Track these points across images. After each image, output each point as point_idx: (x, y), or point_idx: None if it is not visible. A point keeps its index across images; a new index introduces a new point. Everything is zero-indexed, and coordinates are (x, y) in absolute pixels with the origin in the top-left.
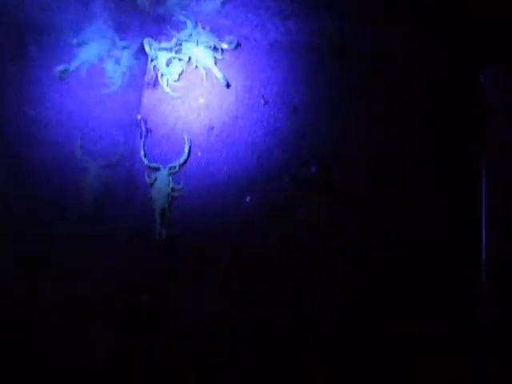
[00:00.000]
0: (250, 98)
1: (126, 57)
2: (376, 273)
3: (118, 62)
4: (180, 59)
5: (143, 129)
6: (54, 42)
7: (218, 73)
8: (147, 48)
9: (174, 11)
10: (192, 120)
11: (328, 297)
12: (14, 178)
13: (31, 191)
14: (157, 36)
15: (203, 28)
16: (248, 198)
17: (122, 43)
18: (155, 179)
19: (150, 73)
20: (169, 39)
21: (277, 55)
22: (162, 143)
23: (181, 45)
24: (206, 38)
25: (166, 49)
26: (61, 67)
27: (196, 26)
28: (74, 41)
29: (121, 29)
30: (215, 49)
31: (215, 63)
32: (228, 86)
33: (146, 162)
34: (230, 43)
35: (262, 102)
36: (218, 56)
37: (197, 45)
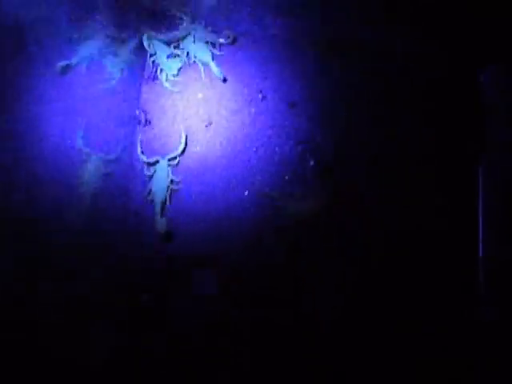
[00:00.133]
0: (248, 93)
1: (125, 52)
2: (376, 273)
3: (117, 57)
4: (179, 55)
5: (142, 123)
6: (54, 37)
7: (215, 68)
8: (146, 43)
9: (172, 7)
10: (190, 115)
11: (328, 297)
12: (16, 169)
13: (30, 185)
14: (156, 32)
15: (200, 23)
16: (246, 192)
17: (122, 39)
18: (154, 171)
19: (149, 68)
20: (167, 35)
21: (274, 50)
22: (161, 137)
23: (179, 40)
24: (204, 34)
25: (164, 44)
26: (62, 63)
27: (193, 21)
28: (74, 36)
29: (120, 24)
30: (212, 44)
31: (213, 59)
32: (225, 80)
33: (144, 158)
34: (226, 38)
35: (260, 96)
36: (216, 51)
37: (194, 40)
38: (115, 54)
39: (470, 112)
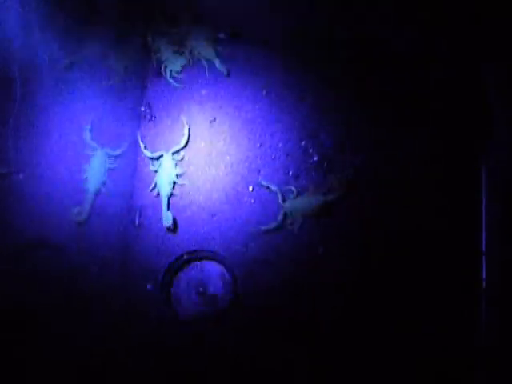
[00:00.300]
0: (252, 90)
1: (129, 50)
2: (376, 273)
3: (121, 54)
4: (183, 52)
5: (146, 119)
6: (60, 35)
7: (219, 63)
8: (150, 41)
9: (175, 5)
10: (194, 111)
11: (328, 297)
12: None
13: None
14: (159, 29)
15: (203, 21)
16: (251, 188)
17: (126, 36)
18: (159, 166)
19: (154, 65)
20: (171, 33)
21: (278, 47)
22: (165, 132)
23: (183, 38)
24: (207, 31)
25: (168, 42)
26: (66, 60)
27: (196, 19)
28: (80, 34)
29: (124, 22)
30: (216, 41)
31: (217, 55)
32: (229, 74)
33: (147, 153)
34: (226, 33)
35: (264, 92)
36: (220, 48)
37: (197, 38)
38: (120, 52)
39: (473, 112)
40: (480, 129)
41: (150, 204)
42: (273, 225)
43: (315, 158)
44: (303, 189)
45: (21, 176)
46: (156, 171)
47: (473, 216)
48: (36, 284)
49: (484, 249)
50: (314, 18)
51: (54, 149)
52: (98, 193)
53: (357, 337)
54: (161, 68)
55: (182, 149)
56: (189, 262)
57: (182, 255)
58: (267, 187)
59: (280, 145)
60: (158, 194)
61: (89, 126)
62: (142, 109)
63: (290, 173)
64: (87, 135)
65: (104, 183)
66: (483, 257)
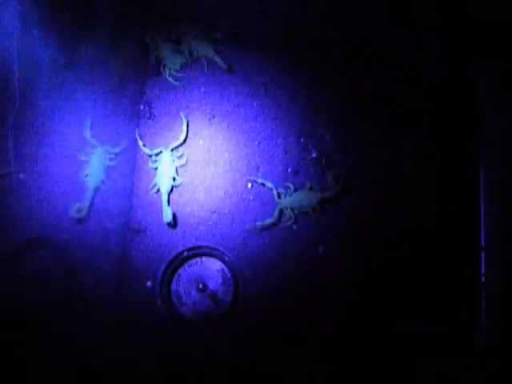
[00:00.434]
0: (251, 87)
1: (128, 49)
2: (375, 272)
3: (120, 54)
4: (181, 51)
5: (146, 117)
6: (60, 34)
7: (219, 60)
8: (149, 40)
9: (174, 5)
10: (193, 108)
11: (327, 295)
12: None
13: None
14: (158, 29)
15: (201, 20)
16: (250, 185)
17: (125, 36)
18: (159, 162)
19: (153, 64)
20: (170, 32)
21: (277, 45)
22: (164, 130)
23: (181, 37)
24: (205, 31)
25: (167, 41)
26: (66, 59)
27: (194, 18)
28: (79, 34)
29: (124, 22)
30: (215, 40)
31: (216, 53)
32: (231, 70)
33: (146, 151)
34: (225, 33)
35: (263, 90)
36: (218, 47)
37: (196, 37)
38: (119, 51)
39: (465, 112)
40: (472, 129)
41: (149, 201)
42: (269, 221)
43: (314, 155)
44: (300, 185)
45: (21, 175)
46: (156, 168)
47: (466, 215)
48: (35, 282)
49: (483, 248)
50: (311, 17)
51: (53, 147)
52: (97, 190)
53: (357, 336)
54: (160, 67)
55: (181, 145)
56: (188, 258)
57: (181, 252)
58: (263, 184)
59: (279, 142)
60: (158, 191)
61: (89, 124)
62: (141, 107)
63: (289, 169)
64: (87, 133)
65: (104, 181)
66: (482, 254)
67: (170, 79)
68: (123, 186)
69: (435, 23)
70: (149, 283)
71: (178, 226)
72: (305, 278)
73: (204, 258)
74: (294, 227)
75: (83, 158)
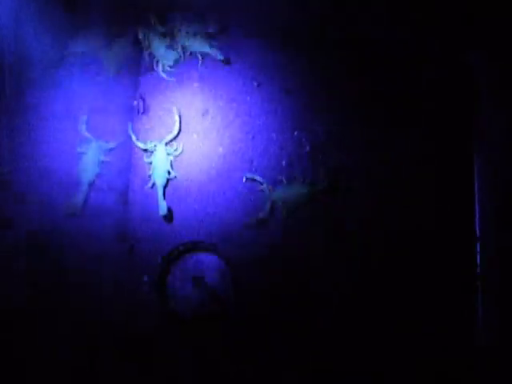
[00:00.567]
0: (244, 82)
1: (121, 45)
2: (376, 272)
3: (113, 50)
4: (175, 46)
5: (139, 112)
6: (52, 30)
7: (215, 52)
8: (141, 36)
9: (167, 1)
10: (187, 104)
11: (328, 296)
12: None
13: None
14: (150, 25)
15: (192, 16)
16: (244, 178)
17: (118, 32)
18: (153, 157)
19: (146, 60)
20: (162, 28)
21: (268, 38)
22: (159, 125)
23: (174, 33)
24: (198, 26)
25: (160, 37)
26: (59, 55)
27: (186, 12)
28: (72, 31)
29: (116, 19)
30: (208, 35)
31: (210, 47)
32: (227, 61)
33: (140, 145)
34: (214, 28)
35: (256, 84)
36: (212, 41)
37: (188, 32)
38: (112, 47)
39: (465, 112)
40: (472, 129)
41: (144, 195)
42: (260, 215)
43: (308, 149)
44: (293, 179)
45: (14, 172)
46: (150, 163)
47: (466, 216)
48: (32, 280)
49: (479, 247)
50: (307, 16)
51: (47, 143)
52: (92, 185)
53: (356, 336)
54: (153, 63)
55: (174, 138)
56: (184, 253)
57: (177, 247)
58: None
59: (272, 136)
60: (154, 185)
61: (85, 119)
62: (135, 102)
63: (283, 163)
64: (83, 127)
65: (98, 175)
66: (477, 255)
67: (163, 75)
68: (118, 181)
69: (435, 23)
70: (145, 278)
71: (174, 221)
72: (303, 275)
73: (200, 253)
74: (290, 222)
75: (79, 150)
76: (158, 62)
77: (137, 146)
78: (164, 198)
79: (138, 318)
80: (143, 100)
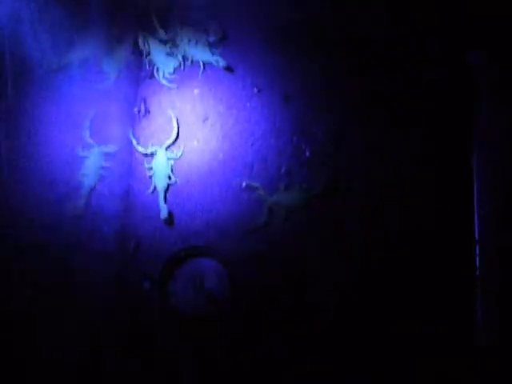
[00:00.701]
0: (244, 88)
1: (121, 52)
2: (376, 272)
3: (113, 56)
4: (175, 53)
5: (140, 117)
6: (52, 36)
7: (216, 60)
8: (141, 43)
9: (165, 8)
10: (188, 111)
11: (327, 297)
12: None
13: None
14: (151, 32)
15: (192, 23)
16: (244, 184)
17: (118, 39)
18: (154, 161)
19: (146, 67)
20: (162, 35)
21: (268, 45)
22: (159, 132)
23: (174, 40)
24: (197, 32)
25: (160, 43)
26: (60, 61)
27: (185, 21)
28: (72, 37)
29: (116, 25)
30: (209, 43)
31: (212, 54)
32: (229, 69)
33: (141, 149)
34: (215, 35)
35: (256, 90)
36: (213, 49)
37: (189, 39)
38: (112, 54)
39: (465, 112)
40: (472, 129)
41: (145, 202)
42: (259, 220)
43: (307, 155)
44: (292, 185)
45: (15, 173)
46: (151, 168)
47: (466, 216)
48: (31, 283)
49: (479, 246)
50: (306, 17)
51: (48, 149)
52: (93, 189)
53: (356, 336)
54: (153, 69)
55: (174, 142)
56: (185, 258)
57: (178, 252)
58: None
59: (272, 142)
60: (155, 189)
61: (88, 124)
62: (136, 109)
63: (283, 169)
64: (86, 133)
65: (99, 181)
66: (476, 256)
67: (163, 81)
68: (119, 187)
69: (435, 23)
70: (146, 284)
71: (174, 227)
72: (303, 278)
73: (200, 258)
74: (289, 226)
75: (81, 154)
76: (158, 68)
77: (137, 151)
78: (165, 201)
79: (140, 317)
80: (144, 102)
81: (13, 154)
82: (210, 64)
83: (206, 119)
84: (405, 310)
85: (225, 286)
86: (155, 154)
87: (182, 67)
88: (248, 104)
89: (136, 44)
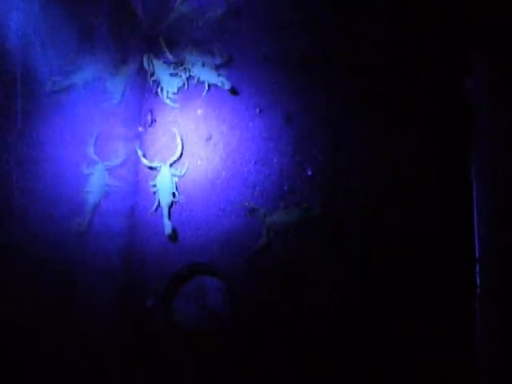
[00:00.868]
0: (246, 108)
1: (126, 72)
2: (376, 273)
3: (118, 77)
4: (179, 74)
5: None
6: (60, 59)
7: (221, 82)
8: (146, 64)
9: (170, 31)
10: (191, 130)
11: (328, 296)
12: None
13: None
14: (155, 53)
15: (198, 45)
16: (247, 203)
17: (123, 60)
18: (158, 178)
19: (150, 87)
20: (167, 56)
21: (270, 66)
22: (163, 151)
23: (179, 61)
24: (201, 54)
25: (164, 64)
26: (66, 81)
27: (191, 43)
28: (78, 58)
29: (121, 47)
30: (213, 63)
31: (218, 76)
32: (233, 91)
33: (146, 162)
34: (221, 59)
35: (258, 110)
36: (219, 71)
37: (196, 60)
38: (117, 74)
39: (465, 112)
40: (472, 129)
41: (149, 220)
42: (260, 242)
43: (309, 173)
44: (290, 203)
45: (19, 190)
46: (155, 185)
47: (466, 216)
48: (35, 298)
49: (478, 247)
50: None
51: (54, 166)
52: (97, 206)
53: (356, 336)
54: (157, 89)
55: (178, 159)
56: (188, 276)
57: (181, 270)
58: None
59: (274, 161)
60: (159, 205)
61: (93, 141)
62: (140, 129)
63: (285, 188)
64: (91, 149)
65: (104, 197)
66: (477, 255)
67: (167, 101)
68: (124, 204)
69: (435, 23)
70: (149, 302)
71: (178, 245)
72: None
73: (203, 276)
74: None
75: (86, 172)
76: (162, 88)
77: (143, 163)
78: (169, 218)
79: (142, 337)
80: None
81: (20, 171)
82: (215, 85)
83: (209, 138)
84: (405, 309)
85: (228, 304)
86: (159, 171)
87: (186, 87)
88: (251, 124)
89: (141, 64)
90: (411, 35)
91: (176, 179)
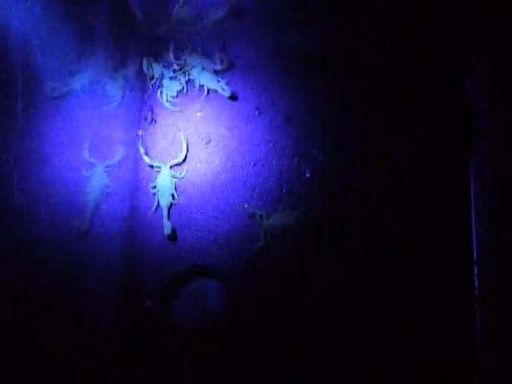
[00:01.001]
0: (245, 110)
1: (126, 75)
2: (376, 273)
3: (118, 80)
4: (178, 77)
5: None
6: (60, 62)
7: (221, 88)
8: (145, 67)
9: (171, 34)
10: (191, 133)
11: (327, 297)
12: (35, 177)
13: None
14: (155, 56)
15: (198, 49)
16: (246, 205)
17: (123, 63)
18: (158, 178)
19: (150, 90)
20: (167, 59)
21: (270, 66)
22: (163, 155)
23: (179, 65)
24: (201, 59)
25: (164, 67)
26: (66, 85)
27: (191, 47)
28: (78, 62)
29: (121, 50)
30: (214, 70)
31: (218, 82)
32: (233, 97)
33: (147, 159)
34: (221, 64)
35: (257, 112)
36: (219, 77)
37: (194, 64)
38: (117, 77)
39: (465, 112)
40: (472, 129)
41: (148, 221)
42: (257, 245)
43: (308, 175)
44: (288, 206)
45: (20, 192)
46: (154, 186)
47: (465, 216)
48: (35, 298)
49: (476, 247)
50: (302, 36)
51: (54, 168)
52: (98, 207)
53: (356, 337)
54: (157, 93)
55: (180, 164)
56: (188, 278)
57: (181, 271)
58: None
59: (273, 163)
60: (158, 206)
61: (87, 145)
62: (140, 132)
63: (284, 190)
64: (86, 153)
65: (103, 199)
66: (475, 255)
67: (166, 104)
68: (124, 206)
69: (435, 23)
70: (149, 302)
71: (177, 246)
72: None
73: (202, 278)
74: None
75: (86, 174)
76: (161, 92)
77: (144, 161)
78: (169, 218)
79: (141, 340)
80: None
81: (20, 171)
82: (215, 90)
83: (208, 141)
84: (405, 309)
85: (228, 306)
86: (159, 171)
87: (185, 91)
88: (250, 126)
89: (140, 67)
90: (411, 35)
91: (175, 180)
